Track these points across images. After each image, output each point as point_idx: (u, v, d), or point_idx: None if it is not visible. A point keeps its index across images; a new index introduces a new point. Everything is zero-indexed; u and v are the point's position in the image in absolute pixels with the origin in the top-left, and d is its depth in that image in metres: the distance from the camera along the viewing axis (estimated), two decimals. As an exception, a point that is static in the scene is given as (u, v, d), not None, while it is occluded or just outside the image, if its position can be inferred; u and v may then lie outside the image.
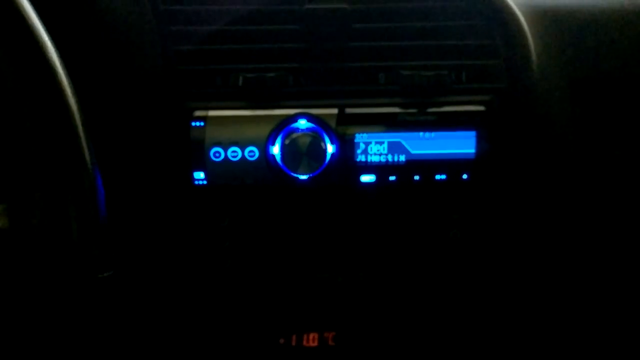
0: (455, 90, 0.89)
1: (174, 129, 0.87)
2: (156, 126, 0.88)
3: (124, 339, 1.01)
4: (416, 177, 0.90)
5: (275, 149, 0.86)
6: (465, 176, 0.90)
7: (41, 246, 0.62)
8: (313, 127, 0.87)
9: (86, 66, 0.83)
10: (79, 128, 0.63)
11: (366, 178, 0.90)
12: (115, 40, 0.87)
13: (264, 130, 0.86)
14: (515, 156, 0.92)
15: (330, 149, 0.87)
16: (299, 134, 0.85)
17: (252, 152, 0.86)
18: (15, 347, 0.82)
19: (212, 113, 0.86)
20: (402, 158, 0.88)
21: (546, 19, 0.93)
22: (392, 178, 0.90)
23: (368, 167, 0.89)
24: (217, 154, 0.86)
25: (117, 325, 0.99)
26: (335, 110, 0.88)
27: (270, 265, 0.97)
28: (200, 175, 0.87)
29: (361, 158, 0.88)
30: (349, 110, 0.88)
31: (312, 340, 1.00)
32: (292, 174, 0.87)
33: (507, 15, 0.89)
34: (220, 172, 0.87)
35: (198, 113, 0.86)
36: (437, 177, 0.90)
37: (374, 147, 0.88)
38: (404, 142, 0.88)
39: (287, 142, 0.85)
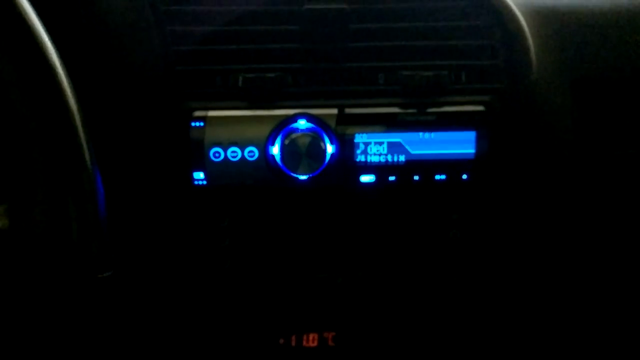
0: (455, 91, 0.89)
1: (173, 129, 0.87)
2: (156, 126, 0.88)
3: (124, 339, 1.01)
4: (416, 178, 0.90)
5: (275, 149, 0.86)
6: (464, 176, 0.90)
7: (41, 246, 0.62)
8: (313, 128, 0.87)
9: (86, 66, 0.83)
10: (78, 128, 0.62)
11: (366, 178, 0.90)
12: (114, 40, 0.87)
13: (264, 131, 0.86)
14: (515, 156, 0.92)
15: (329, 149, 0.87)
16: (299, 134, 0.85)
17: (251, 153, 0.86)
18: (15, 347, 0.82)
19: (211, 113, 0.86)
20: (402, 158, 0.88)
21: (546, 19, 0.93)
22: (391, 178, 0.90)
23: (368, 168, 0.89)
24: (216, 154, 0.86)
25: (117, 325, 0.99)
26: (334, 111, 0.88)
27: (270, 265, 0.97)
28: (199, 175, 0.87)
29: (361, 158, 0.88)
30: (348, 111, 0.88)
31: (311, 340, 1.00)
32: (292, 174, 0.87)
33: (506, 15, 0.89)
34: (220, 173, 0.87)
35: (198, 113, 0.86)
36: (437, 177, 0.90)
37: (374, 147, 0.88)
38: (403, 143, 0.88)
39: (286, 142, 0.85)
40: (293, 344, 1.01)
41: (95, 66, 0.86)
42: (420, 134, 0.88)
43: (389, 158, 0.88)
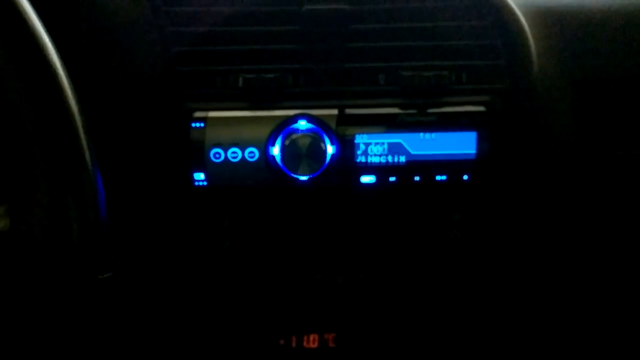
0: (456, 91, 0.89)
1: (173, 130, 0.87)
2: (156, 127, 0.88)
3: (124, 340, 1.01)
4: (416, 178, 0.89)
5: (275, 150, 0.86)
6: (465, 177, 0.90)
7: (42, 247, 0.62)
8: (313, 128, 0.86)
9: (86, 67, 0.83)
10: (79, 129, 0.62)
11: (366, 179, 0.89)
12: (115, 41, 0.87)
13: (264, 131, 0.86)
14: (516, 157, 0.92)
15: (330, 149, 0.87)
16: (299, 134, 0.85)
17: (252, 153, 0.86)
18: (15, 347, 0.82)
19: (212, 114, 0.86)
20: (403, 159, 0.88)
21: (547, 19, 0.92)
22: (392, 179, 0.89)
23: (368, 168, 0.89)
24: (217, 155, 0.86)
25: (117, 326, 0.99)
26: (335, 111, 0.88)
27: (270, 266, 0.97)
28: (200, 176, 0.87)
29: (361, 159, 0.88)
30: (349, 111, 0.88)
31: (312, 341, 1.00)
32: (292, 174, 0.86)
33: (507, 16, 0.89)
34: (220, 173, 0.87)
35: (198, 114, 0.86)
36: (438, 177, 0.89)
37: (374, 147, 0.88)
38: (404, 143, 0.88)
39: (287, 143, 0.85)
40: (293, 344, 1.01)
41: (96, 67, 0.86)
42: (421, 134, 0.88)
43: (390, 159, 0.88)
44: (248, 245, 0.95)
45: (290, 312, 1.00)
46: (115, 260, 0.67)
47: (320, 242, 0.96)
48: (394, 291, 0.99)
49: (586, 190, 0.96)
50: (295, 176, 0.87)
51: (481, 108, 0.89)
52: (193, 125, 0.86)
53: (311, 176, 0.87)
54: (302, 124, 0.87)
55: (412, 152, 0.88)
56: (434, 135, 0.88)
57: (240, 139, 0.86)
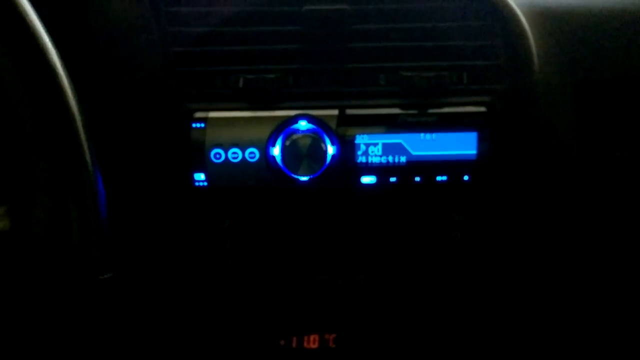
0: (456, 91, 0.89)
1: (174, 131, 0.87)
2: (156, 127, 0.88)
3: (124, 341, 1.00)
4: (417, 179, 0.89)
5: (276, 150, 0.86)
6: (466, 177, 0.90)
7: (42, 247, 0.62)
8: (313, 129, 0.86)
9: (87, 67, 0.83)
10: (79, 129, 0.62)
11: (367, 179, 0.89)
12: (115, 41, 0.87)
13: (265, 132, 0.86)
14: (517, 157, 0.92)
15: (330, 150, 0.87)
16: (300, 135, 0.85)
17: (252, 154, 0.86)
18: (16, 347, 0.82)
19: (212, 114, 0.87)
20: (403, 159, 0.88)
21: (547, 19, 0.92)
22: (392, 179, 0.89)
23: (368, 169, 0.89)
24: (217, 156, 0.86)
25: (117, 327, 0.99)
26: (335, 112, 0.88)
27: (271, 266, 0.97)
28: (200, 176, 0.87)
29: (362, 159, 0.88)
30: (349, 112, 0.88)
31: (312, 342, 1.00)
32: (293, 175, 0.86)
33: (507, 16, 0.89)
34: (221, 174, 0.87)
35: (198, 114, 0.86)
36: (438, 178, 0.89)
37: (375, 148, 0.88)
38: (404, 144, 0.88)
39: (287, 143, 0.85)
40: (294, 345, 1.00)
41: (96, 67, 0.86)
42: (422, 135, 0.88)
43: (390, 159, 0.88)
44: (248, 245, 0.95)
45: (290, 312, 1.00)
46: (116, 260, 0.67)
47: (320, 242, 0.96)
48: (394, 292, 0.99)
49: (586, 191, 0.96)
50: (296, 176, 0.87)
51: (482, 108, 0.89)
52: (193, 125, 0.86)
53: (311, 177, 0.87)
54: (303, 125, 0.86)
55: (413, 152, 0.88)
56: (434, 135, 0.88)
57: (241, 139, 0.86)
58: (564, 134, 0.93)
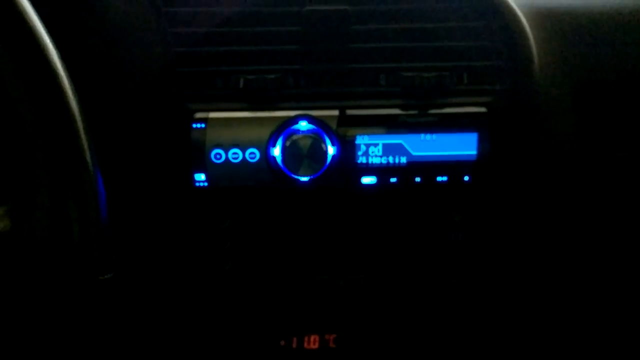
0: (457, 92, 0.89)
1: (174, 131, 0.87)
2: (157, 128, 0.87)
3: (124, 341, 1.00)
4: (417, 179, 0.89)
5: (276, 151, 0.86)
6: (466, 178, 0.90)
7: (42, 248, 0.62)
8: (314, 129, 0.86)
9: (87, 68, 0.83)
10: (80, 130, 0.62)
11: (367, 180, 0.89)
12: (115, 41, 0.87)
13: (265, 132, 0.86)
14: (517, 158, 0.92)
15: (331, 150, 0.87)
16: (300, 135, 0.85)
17: (252, 154, 0.86)
18: (15, 348, 0.82)
19: (212, 115, 0.86)
20: (403, 160, 0.88)
21: (548, 20, 0.92)
22: (393, 180, 0.89)
23: (369, 169, 0.89)
24: (217, 156, 0.86)
25: (117, 327, 0.99)
26: (336, 112, 0.88)
27: (271, 267, 0.97)
28: (201, 177, 0.87)
29: (362, 160, 0.88)
30: (349, 112, 0.88)
31: (313, 342, 1.00)
32: (293, 175, 0.86)
33: (508, 16, 0.89)
34: (221, 174, 0.87)
35: (199, 115, 0.86)
36: (439, 179, 0.89)
37: (375, 148, 0.88)
38: (405, 144, 0.88)
39: (287, 143, 0.85)
40: (294, 345, 1.00)
41: (97, 67, 0.86)
42: (422, 135, 0.87)
43: (391, 160, 0.88)
44: (249, 246, 0.95)
45: (291, 312, 1.00)
46: (116, 261, 0.67)
47: (321, 242, 0.96)
48: (394, 292, 0.99)
49: (588, 192, 0.96)
50: (296, 177, 0.87)
51: (482, 109, 0.89)
52: (194, 126, 0.86)
53: (312, 177, 0.87)
54: (303, 125, 0.86)
55: (413, 153, 0.88)
56: (434, 136, 0.88)
57: (241, 139, 0.86)
58: (565, 135, 0.93)
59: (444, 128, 0.88)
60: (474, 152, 0.88)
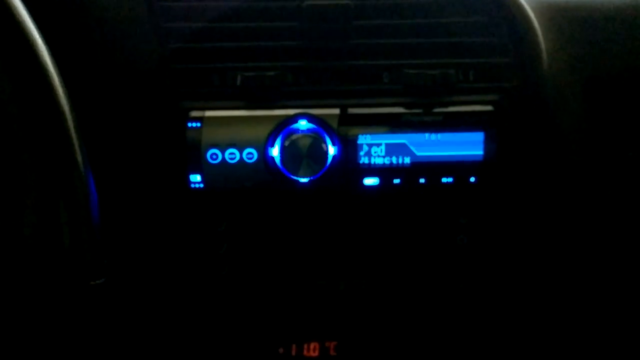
0: (462, 90, 0.89)
1: (169, 130, 0.86)
2: (151, 127, 0.87)
3: (118, 347, 1.00)
4: (421, 180, 0.89)
5: (275, 151, 0.85)
6: (472, 179, 0.89)
7: (32, 252, 0.62)
8: (314, 128, 0.86)
9: (78, 65, 0.83)
10: (71, 130, 0.63)
11: (369, 181, 0.89)
12: (108, 37, 0.87)
13: (263, 131, 0.85)
14: (525, 158, 0.92)
15: (331, 150, 0.86)
16: (299, 135, 0.84)
17: (250, 154, 0.85)
18: (9, 352, 0.81)
19: (208, 113, 0.86)
20: (407, 160, 0.87)
21: (557, 15, 0.92)
22: (396, 181, 0.89)
23: (371, 170, 0.88)
24: (214, 156, 0.85)
25: (111, 334, 0.99)
26: (337, 111, 0.87)
27: (269, 271, 0.96)
28: (196, 178, 0.86)
29: (364, 160, 0.87)
30: (351, 111, 0.87)
31: (312, 350, 1.00)
32: (292, 176, 0.86)
33: (516, 11, 0.88)
34: (218, 175, 0.86)
35: (194, 113, 0.86)
36: (444, 180, 0.89)
37: (378, 148, 0.87)
38: (408, 144, 0.87)
39: (286, 143, 0.84)
40: (293, 353, 1.00)
41: (88, 64, 0.85)
42: (426, 135, 0.87)
43: (394, 160, 0.87)
44: (246, 249, 0.94)
45: (289, 319, 0.99)
46: (108, 265, 0.67)
47: (321, 247, 0.96)
48: (397, 298, 0.99)
49: (597, 193, 0.96)
50: (296, 178, 0.86)
51: (489, 107, 0.88)
52: (189, 125, 0.85)
53: (312, 178, 0.86)
54: (303, 124, 0.86)
55: (417, 153, 0.87)
56: (439, 135, 0.87)
57: (238, 139, 0.85)
58: (574, 134, 0.93)
59: (449, 127, 0.87)
60: (480, 152, 0.87)
